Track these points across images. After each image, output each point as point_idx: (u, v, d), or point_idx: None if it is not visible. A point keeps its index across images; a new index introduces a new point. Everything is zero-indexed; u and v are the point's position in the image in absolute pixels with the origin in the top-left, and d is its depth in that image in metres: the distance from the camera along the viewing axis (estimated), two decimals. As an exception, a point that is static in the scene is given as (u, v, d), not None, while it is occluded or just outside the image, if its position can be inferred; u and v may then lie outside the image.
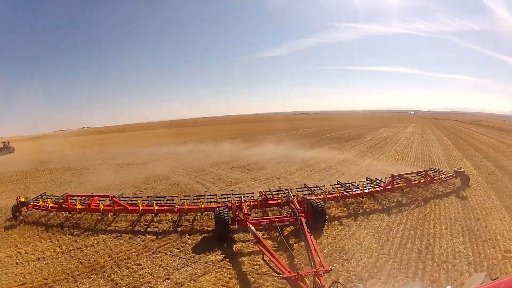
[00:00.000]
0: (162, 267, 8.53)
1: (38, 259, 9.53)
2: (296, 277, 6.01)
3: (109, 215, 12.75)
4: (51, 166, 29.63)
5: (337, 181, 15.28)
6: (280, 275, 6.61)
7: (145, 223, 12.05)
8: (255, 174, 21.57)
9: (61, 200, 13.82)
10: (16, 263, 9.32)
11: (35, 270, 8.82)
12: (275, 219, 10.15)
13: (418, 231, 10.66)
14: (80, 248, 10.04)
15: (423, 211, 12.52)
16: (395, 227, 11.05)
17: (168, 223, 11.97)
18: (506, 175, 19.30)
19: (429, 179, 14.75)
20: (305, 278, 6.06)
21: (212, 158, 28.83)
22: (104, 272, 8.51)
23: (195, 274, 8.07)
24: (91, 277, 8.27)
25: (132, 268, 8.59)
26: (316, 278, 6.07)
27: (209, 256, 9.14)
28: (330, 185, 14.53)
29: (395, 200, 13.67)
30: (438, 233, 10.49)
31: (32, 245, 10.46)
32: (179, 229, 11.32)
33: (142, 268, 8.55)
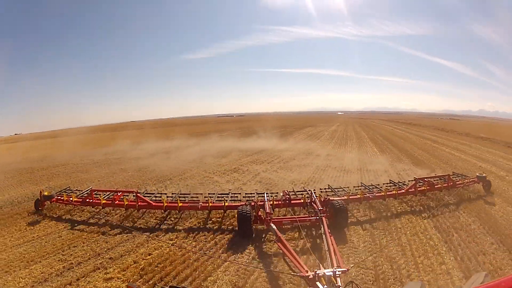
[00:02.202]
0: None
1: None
2: (313, 276, 6.53)
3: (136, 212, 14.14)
4: None
5: (361, 182, 16.76)
6: (298, 274, 7.17)
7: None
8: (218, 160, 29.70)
9: (85, 195, 15.08)
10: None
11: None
12: (297, 219, 11.13)
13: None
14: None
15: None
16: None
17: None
18: (403, 154, 31.04)
19: (451, 183, 15.74)
20: (322, 278, 6.47)
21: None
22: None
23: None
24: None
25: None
26: (333, 278, 6.47)
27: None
28: (354, 186, 16.01)
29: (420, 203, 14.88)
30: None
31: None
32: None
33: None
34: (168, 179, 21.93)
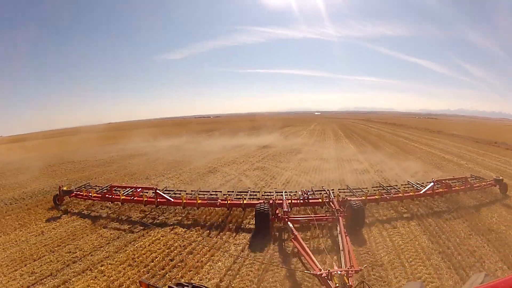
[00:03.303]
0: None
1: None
2: (326, 274, 6.73)
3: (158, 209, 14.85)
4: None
5: (379, 183, 17.03)
6: (311, 272, 7.32)
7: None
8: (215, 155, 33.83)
9: (105, 190, 15.63)
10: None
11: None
12: (314, 218, 11.46)
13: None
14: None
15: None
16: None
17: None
18: (375, 148, 36.17)
19: (468, 186, 15.66)
20: (335, 277, 6.64)
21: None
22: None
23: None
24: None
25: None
26: (345, 277, 6.63)
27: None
28: (372, 187, 16.18)
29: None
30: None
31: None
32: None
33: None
34: (179, 169, 25.68)
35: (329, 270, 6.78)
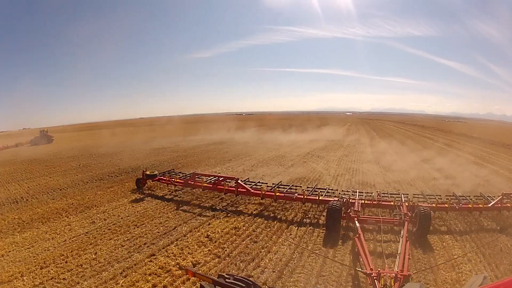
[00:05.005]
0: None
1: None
2: (375, 274, 6.90)
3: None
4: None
5: (453, 192, 15.68)
6: (362, 270, 7.61)
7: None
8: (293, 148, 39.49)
9: (188, 177, 16.32)
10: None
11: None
12: (381, 220, 11.64)
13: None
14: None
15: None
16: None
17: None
18: (404, 146, 42.05)
19: None
20: (383, 278, 6.76)
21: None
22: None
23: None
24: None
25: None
26: (392, 280, 6.75)
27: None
28: (446, 195, 14.95)
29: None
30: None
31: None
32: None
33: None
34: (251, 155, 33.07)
35: (379, 271, 6.98)
